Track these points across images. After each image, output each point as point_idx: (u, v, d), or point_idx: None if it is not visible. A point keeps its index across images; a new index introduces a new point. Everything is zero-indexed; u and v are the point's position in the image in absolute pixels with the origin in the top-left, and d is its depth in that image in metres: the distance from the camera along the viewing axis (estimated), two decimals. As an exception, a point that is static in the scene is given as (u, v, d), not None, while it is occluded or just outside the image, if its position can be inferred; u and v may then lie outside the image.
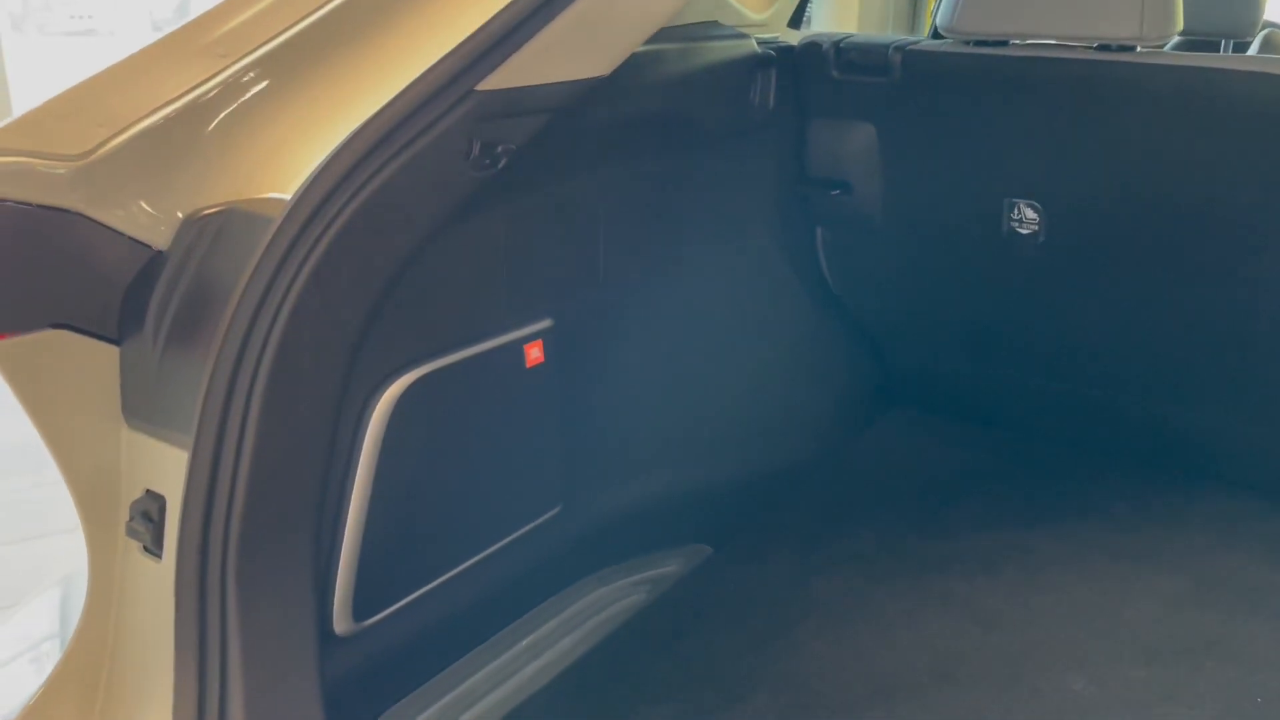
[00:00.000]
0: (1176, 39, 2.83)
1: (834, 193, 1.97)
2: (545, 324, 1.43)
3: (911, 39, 1.81)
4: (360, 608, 1.18)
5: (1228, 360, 1.74)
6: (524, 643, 1.43)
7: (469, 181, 1.09)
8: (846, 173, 1.94)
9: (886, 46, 1.79)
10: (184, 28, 0.98)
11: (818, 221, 2.06)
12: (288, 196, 0.96)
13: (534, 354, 1.44)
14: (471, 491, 1.35)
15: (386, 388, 1.16)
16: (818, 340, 2.12)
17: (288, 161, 1.01)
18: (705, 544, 1.70)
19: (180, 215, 0.98)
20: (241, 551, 0.96)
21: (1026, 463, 1.98)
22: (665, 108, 1.61)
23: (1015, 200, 1.76)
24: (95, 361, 0.98)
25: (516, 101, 1.08)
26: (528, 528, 1.45)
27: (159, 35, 0.97)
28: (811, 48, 1.87)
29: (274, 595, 1.01)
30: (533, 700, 1.37)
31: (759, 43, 1.82)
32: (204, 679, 0.96)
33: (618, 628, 1.50)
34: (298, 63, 1.03)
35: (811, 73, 1.88)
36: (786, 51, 1.87)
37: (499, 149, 1.10)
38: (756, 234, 1.96)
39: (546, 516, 1.49)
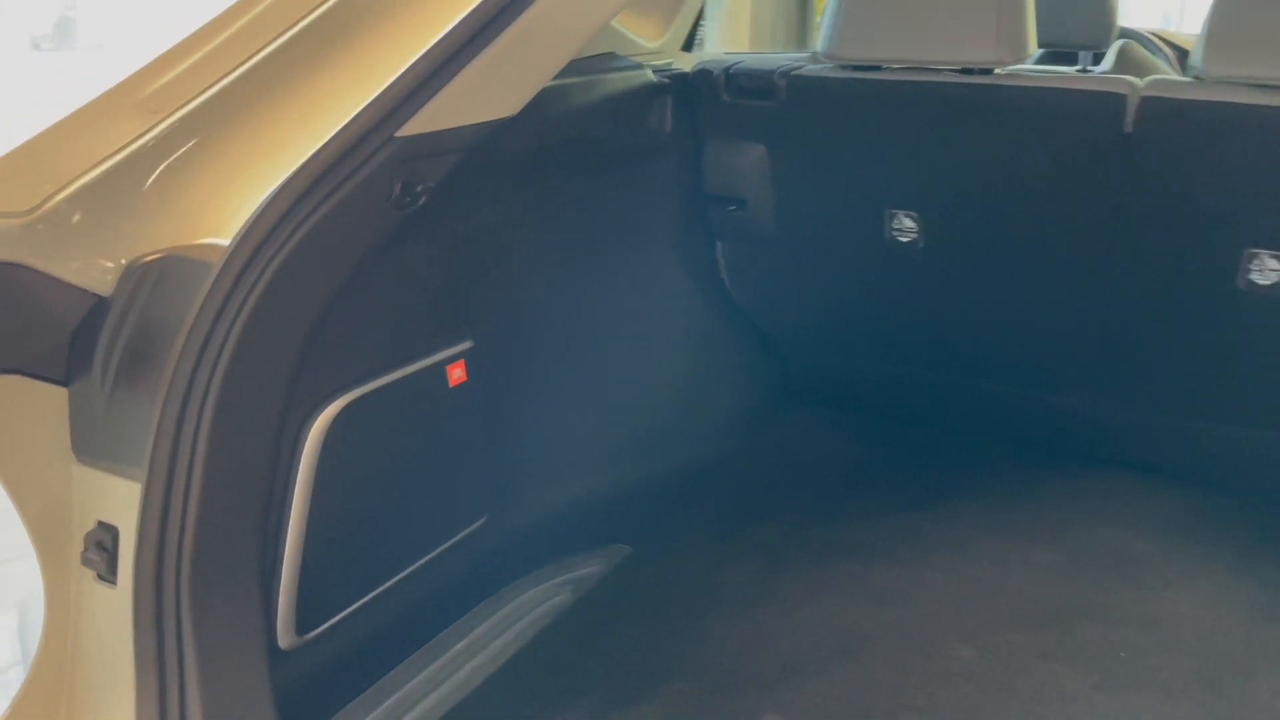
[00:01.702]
0: (1038, 52, 3.04)
1: (730, 209, 2.10)
2: (466, 345, 1.53)
3: (795, 64, 1.95)
4: (303, 622, 1.26)
5: (1090, 346, 1.92)
6: (459, 645, 1.52)
7: (392, 219, 1.17)
8: (741, 190, 2.07)
9: (772, 72, 1.93)
10: (116, 87, 1.05)
11: (717, 236, 2.19)
12: (224, 241, 1.04)
13: (456, 374, 1.53)
14: (402, 506, 1.43)
15: (320, 412, 1.24)
16: (721, 347, 2.25)
17: (221, 208, 1.08)
18: (624, 543, 1.81)
19: (123, 263, 1.05)
20: (193, 576, 1.03)
21: (917, 451, 2.14)
22: (570, 138, 1.71)
23: (895, 211, 1.92)
24: (44, 403, 1.04)
25: (433, 144, 1.18)
26: (457, 538, 1.54)
27: (96, 92, 1.04)
28: (703, 74, 2.00)
29: (225, 615, 1.08)
30: (470, 699, 1.45)
31: (655, 70, 1.94)
32: (164, 698, 1.03)
33: (546, 626, 1.60)
34: (227, 114, 1.10)
35: (704, 97, 2.00)
36: (681, 78, 1.99)
37: (419, 188, 1.20)
38: (660, 250, 2.08)
39: (474, 526, 1.58)
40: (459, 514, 1.54)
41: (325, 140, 1.06)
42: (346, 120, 1.07)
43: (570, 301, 1.79)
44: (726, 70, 1.98)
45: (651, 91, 1.91)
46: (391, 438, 1.39)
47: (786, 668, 1.49)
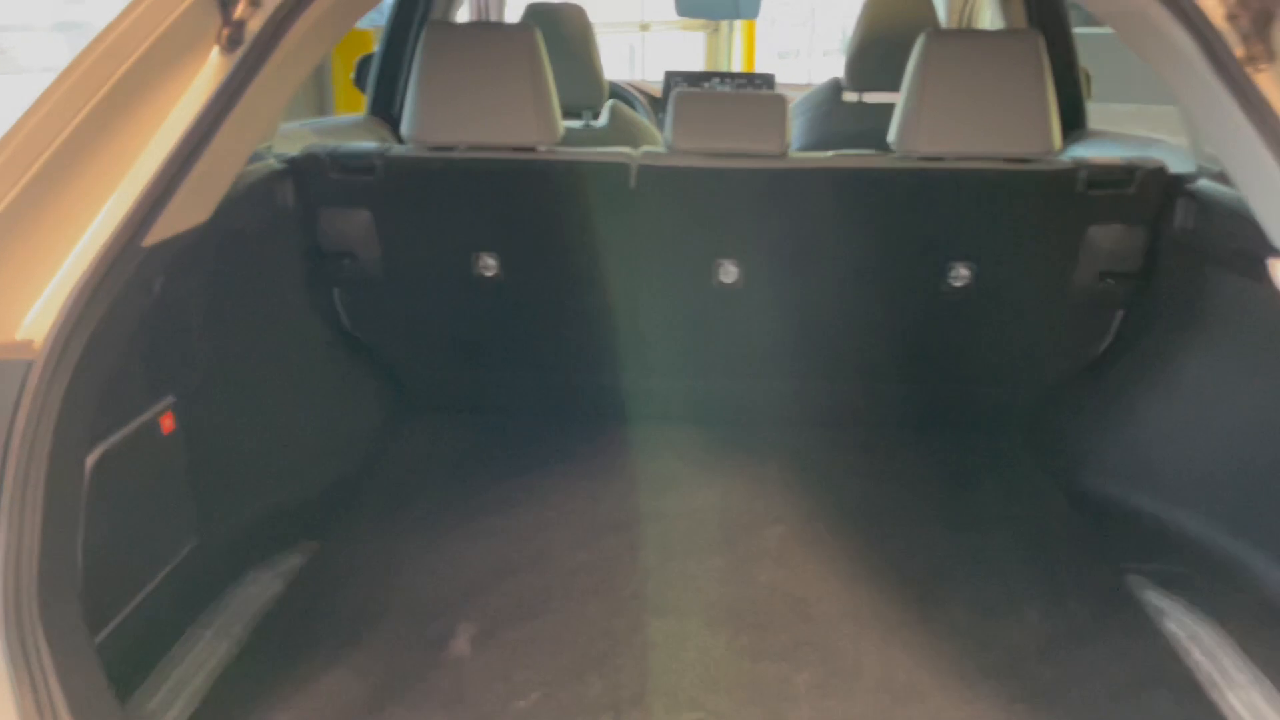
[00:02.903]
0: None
1: (344, 261, 2.60)
2: (170, 400, 1.90)
3: (388, 146, 2.49)
4: (92, 625, 1.59)
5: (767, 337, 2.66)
6: (210, 631, 1.90)
7: (146, 307, 1.56)
8: (353, 246, 2.57)
9: (371, 154, 2.45)
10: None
11: (334, 284, 2.67)
12: (33, 346, 1.37)
13: (167, 424, 1.90)
14: (133, 534, 1.78)
15: (89, 459, 1.58)
16: (345, 373, 2.72)
17: (26, 317, 1.40)
18: (314, 539, 2.25)
19: None
20: (44, 609, 1.36)
21: (518, 435, 2.78)
22: (222, 222, 2.11)
23: (479, 253, 2.54)
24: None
25: (164, 250, 1.57)
26: (182, 554, 1.91)
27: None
28: (311, 157, 2.47)
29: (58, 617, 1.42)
30: (231, 669, 1.83)
31: (275, 157, 2.38)
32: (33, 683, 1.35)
33: (266, 614, 2.01)
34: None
35: (315, 175, 2.47)
36: (294, 161, 2.45)
37: (157, 282, 1.59)
38: (290, 301, 2.52)
39: (184, 551, 1.95)
40: (178, 537, 1.91)
41: (99, 250, 1.43)
42: (111, 233, 1.45)
43: (233, 355, 2.19)
44: (331, 153, 2.47)
45: (275, 176, 2.35)
46: (124, 479, 1.74)
47: (465, 592, 2.05)
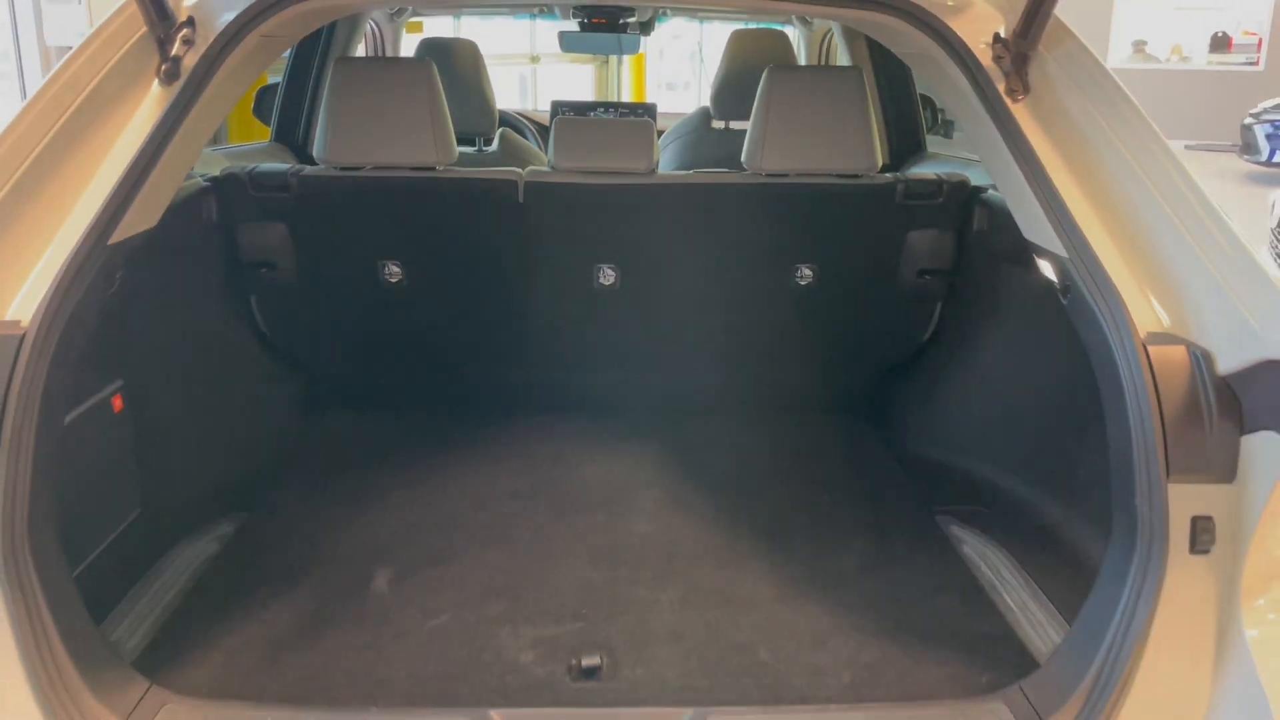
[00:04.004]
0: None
1: (262, 270, 2.89)
2: (120, 383, 2.18)
3: (300, 167, 2.81)
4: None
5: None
6: (158, 584, 2.18)
7: (106, 298, 1.85)
8: (270, 256, 2.87)
9: (285, 173, 2.76)
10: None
11: (251, 292, 2.96)
12: (20, 325, 1.66)
13: (118, 404, 2.18)
14: (88, 495, 2.05)
15: (65, 421, 1.86)
16: (257, 373, 3.01)
17: (13, 303, 1.69)
18: (243, 511, 2.54)
19: None
20: (32, 539, 1.63)
21: (411, 425, 3.10)
22: (160, 231, 2.40)
23: (385, 261, 2.87)
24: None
25: (124, 248, 1.87)
26: (127, 520, 2.18)
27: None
28: (231, 177, 2.76)
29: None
30: (171, 621, 2.10)
31: (201, 177, 2.68)
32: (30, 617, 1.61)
33: (205, 570, 2.29)
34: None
35: (235, 193, 2.77)
36: (216, 180, 2.74)
37: (118, 276, 1.89)
38: (213, 306, 2.80)
39: (130, 518, 2.23)
40: (122, 507, 2.19)
41: (74, 246, 1.73)
42: (81, 232, 1.75)
43: (168, 347, 2.47)
44: (249, 173, 2.77)
45: (202, 192, 2.65)
46: (88, 447, 2.02)
47: (381, 547, 2.37)
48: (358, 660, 1.94)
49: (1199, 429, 1.64)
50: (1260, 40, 16.86)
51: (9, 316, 1.68)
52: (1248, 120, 13.41)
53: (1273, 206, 5.11)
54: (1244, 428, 1.64)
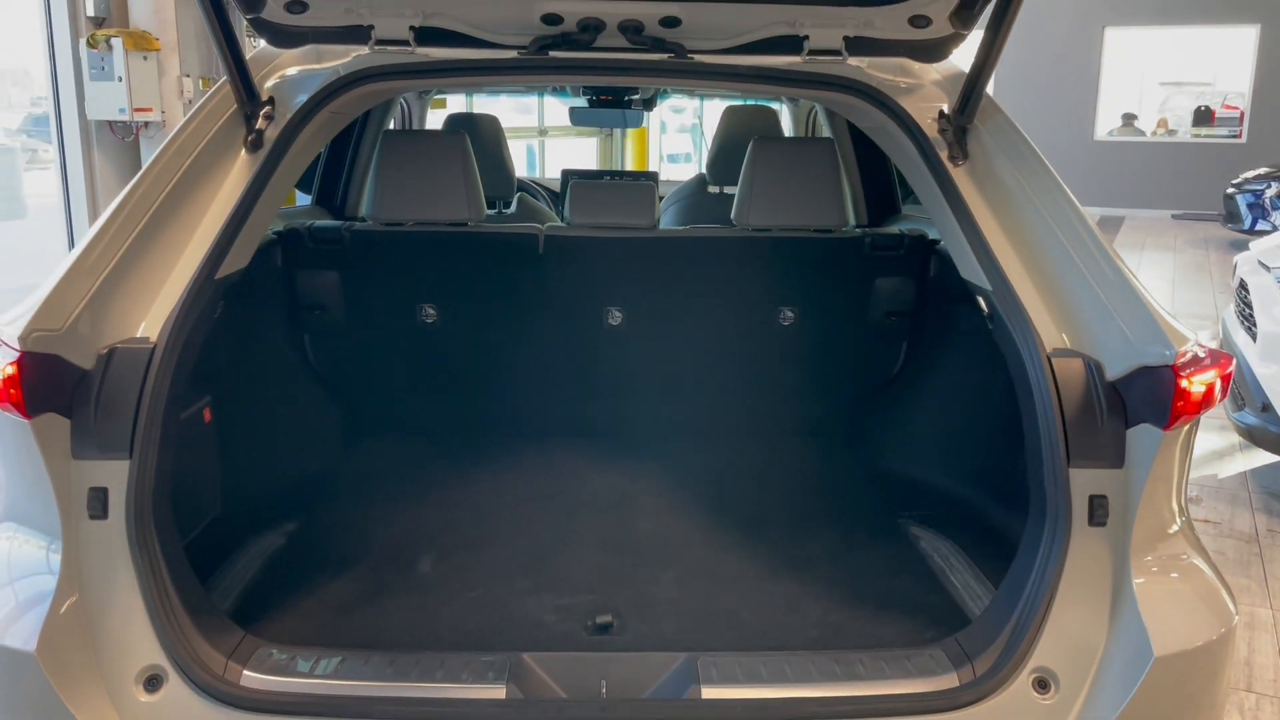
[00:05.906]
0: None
1: (316, 312, 3.33)
2: (208, 398, 2.60)
3: (351, 221, 3.27)
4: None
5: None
6: (235, 568, 2.57)
7: (211, 323, 2.28)
8: (323, 300, 3.31)
9: (339, 228, 3.22)
10: (76, 259, 2.07)
11: (305, 331, 3.40)
12: (150, 340, 2.08)
13: (208, 416, 2.60)
14: (185, 491, 2.45)
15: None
16: (312, 399, 3.43)
17: (137, 323, 2.12)
18: (304, 513, 2.94)
19: (100, 351, 2.04)
20: (155, 513, 2.03)
21: (443, 446, 3.50)
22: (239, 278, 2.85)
23: (423, 305, 3.31)
24: (62, 427, 1.99)
25: (225, 283, 2.30)
26: (206, 521, 2.59)
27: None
28: (293, 231, 3.22)
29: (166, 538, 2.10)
30: (253, 590, 2.49)
31: (274, 232, 3.14)
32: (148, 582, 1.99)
33: (273, 560, 2.68)
34: (127, 271, 2.14)
35: (295, 245, 3.22)
36: (281, 233, 3.20)
37: (219, 305, 2.32)
38: (274, 340, 3.24)
39: (210, 518, 2.63)
40: (206, 501, 2.60)
41: (189, 280, 2.16)
42: (195, 268, 2.18)
43: (244, 371, 2.89)
44: (308, 228, 3.23)
45: (271, 244, 3.10)
46: (191, 449, 2.43)
47: (423, 537, 2.76)
48: (410, 618, 2.33)
49: (1093, 424, 2.04)
50: (1242, 113, 17.55)
51: (140, 333, 2.11)
52: (1230, 190, 13.96)
53: (1234, 267, 5.55)
54: (1128, 422, 2.05)
